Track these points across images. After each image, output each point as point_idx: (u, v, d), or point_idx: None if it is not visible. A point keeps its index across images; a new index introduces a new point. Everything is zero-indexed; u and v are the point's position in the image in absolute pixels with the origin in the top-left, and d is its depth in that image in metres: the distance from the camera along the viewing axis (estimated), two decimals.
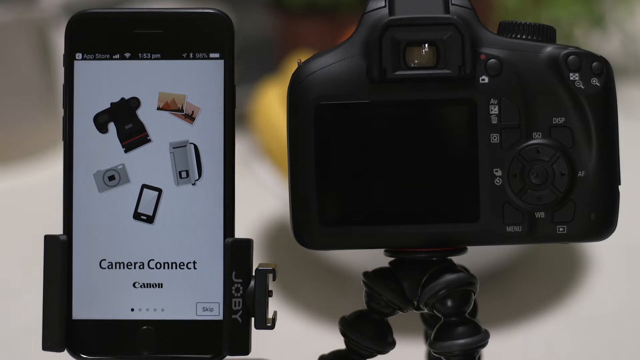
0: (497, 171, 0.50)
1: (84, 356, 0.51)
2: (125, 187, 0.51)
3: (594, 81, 0.50)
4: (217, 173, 0.51)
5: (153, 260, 0.51)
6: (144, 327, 0.51)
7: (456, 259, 0.52)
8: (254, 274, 0.51)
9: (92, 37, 0.51)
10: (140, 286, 0.51)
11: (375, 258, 0.53)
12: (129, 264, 0.51)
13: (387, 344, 0.53)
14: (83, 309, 0.51)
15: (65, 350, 0.51)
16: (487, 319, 0.55)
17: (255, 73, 1.16)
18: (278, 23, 1.26)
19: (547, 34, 0.51)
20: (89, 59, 0.51)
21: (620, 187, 0.51)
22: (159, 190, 0.51)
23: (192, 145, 0.51)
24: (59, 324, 0.51)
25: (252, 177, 0.94)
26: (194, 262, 0.51)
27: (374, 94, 0.50)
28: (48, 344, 0.51)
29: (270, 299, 0.51)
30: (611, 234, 0.51)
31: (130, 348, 0.51)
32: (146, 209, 0.51)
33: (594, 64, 0.50)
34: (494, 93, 0.50)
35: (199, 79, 0.51)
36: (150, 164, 0.51)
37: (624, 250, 0.94)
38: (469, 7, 0.50)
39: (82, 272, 0.51)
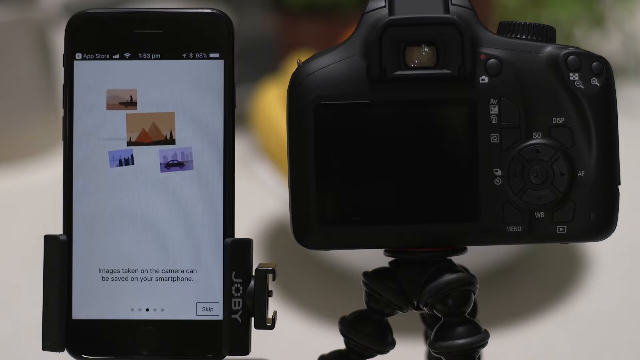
0: (497, 171, 0.50)
1: (84, 356, 0.51)
2: None
3: (594, 81, 0.50)
4: (217, 173, 0.51)
5: (153, 260, 0.51)
6: (144, 327, 0.51)
7: (456, 259, 0.52)
8: (253, 273, 0.51)
9: (92, 37, 0.51)
10: (140, 286, 0.51)
11: (375, 258, 0.53)
12: (129, 263, 0.51)
13: (387, 344, 0.53)
14: (83, 309, 0.51)
15: (65, 350, 0.51)
16: (487, 319, 0.55)
17: (255, 73, 1.16)
18: (278, 23, 1.26)
19: (547, 34, 0.51)
20: (89, 59, 0.51)
21: (620, 187, 0.51)
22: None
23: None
24: (59, 324, 0.51)
25: (252, 177, 0.94)
26: (194, 262, 0.51)
27: (374, 93, 0.50)
28: (48, 344, 0.51)
29: (270, 299, 0.51)
30: (611, 234, 0.51)
31: (130, 348, 0.51)
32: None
33: (594, 64, 0.50)
34: (493, 93, 0.50)
35: (199, 79, 0.51)
36: None
37: (623, 250, 0.94)
38: (469, 7, 0.50)
39: (82, 272, 0.51)
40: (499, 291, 0.89)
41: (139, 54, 0.51)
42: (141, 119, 0.51)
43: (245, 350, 0.50)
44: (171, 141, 0.51)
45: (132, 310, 0.51)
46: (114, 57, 0.51)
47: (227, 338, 0.50)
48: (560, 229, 0.50)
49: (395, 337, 0.53)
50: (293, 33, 1.22)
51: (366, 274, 0.52)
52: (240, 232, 0.51)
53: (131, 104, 0.51)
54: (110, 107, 0.51)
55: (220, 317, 0.51)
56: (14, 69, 1.17)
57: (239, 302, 0.50)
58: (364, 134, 0.50)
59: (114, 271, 0.51)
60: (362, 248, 0.51)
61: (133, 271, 0.51)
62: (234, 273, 0.50)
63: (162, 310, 0.51)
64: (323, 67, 0.51)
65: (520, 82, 0.50)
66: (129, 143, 0.51)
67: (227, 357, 0.51)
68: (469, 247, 0.52)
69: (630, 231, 0.85)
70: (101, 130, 0.51)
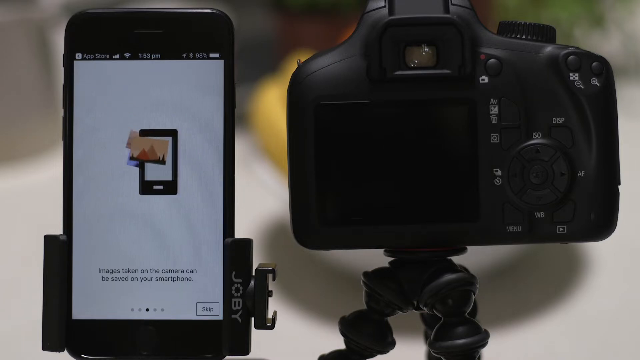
0: (497, 171, 0.50)
1: (84, 356, 0.51)
2: None
3: (594, 81, 0.50)
4: (217, 173, 0.51)
5: (153, 260, 0.51)
6: (144, 327, 0.51)
7: (456, 259, 0.52)
8: (253, 273, 0.51)
9: (92, 37, 0.51)
10: (140, 286, 0.51)
11: (375, 258, 0.53)
12: (129, 263, 0.51)
13: (387, 344, 0.53)
14: (83, 309, 0.51)
15: (65, 350, 0.51)
16: (487, 319, 0.55)
17: (255, 73, 1.16)
18: (278, 23, 1.26)
19: (547, 34, 0.51)
20: (89, 59, 0.51)
21: (620, 187, 0.51)
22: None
23: None
24: (59, 324, 0.51)
25: (252, 177, 0.94)
26: (194, 262, 0.51)
27: (374, 93, 0.50)
28: (48, 344, 0.51)
29: (270, 299, 0.51)
30: (611, 234, 0.51)
31: (130, 348, 0.51)
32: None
33: (594, 64, 0.50)
34: (493, 93, 0.50)
35: (198, 79, 0.51)
36: None
37: (623, 251, 0.94)
38: (469, 7, 0.50)
39: (82, 272, 0.51)
40: (499, 291, 0.89)
41: (139, 54, 0.51)
42: (143, 142, 0.51)
43: (245, 350, 0.50)
44: (162, 162, 0.51)
45: (132, 310, 0.51)
46: (114, 57, 0.51)
47: (227, 338, 0.50)
48: (560, 229, 0.50)
49: (395, 337, 0.53)
50: (293, 33, 1.22)
51: (366, 274, 0.52)
52: (240, 232, 0.51)
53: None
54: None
55: (220, 317, 0.51)
56: (14, 69, 1.17)
57: (239, 302, 0.50)
58: (364, 134, 0.50)
59: (114, 271, 0.51)
60: (362, 248, 0.51)
61: (133, 271, 0.51)
62: (234, 273, 0.50)
63: (162, 310, 0.51)
64: (323, 67, 0.51)
65: (520, 82, 0.50)
66: (131, 158, 0.51)
67: (227, 357, 0.51)
68: (469, 247, 0.52)
69: (630, 231, 0.85)
70: (103, 128, 0.51)
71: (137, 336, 0.51)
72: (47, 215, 0.77)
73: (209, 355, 0.51)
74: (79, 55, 0.51)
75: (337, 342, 0.54)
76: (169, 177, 0.51)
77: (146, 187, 0.51)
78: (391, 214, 0.51)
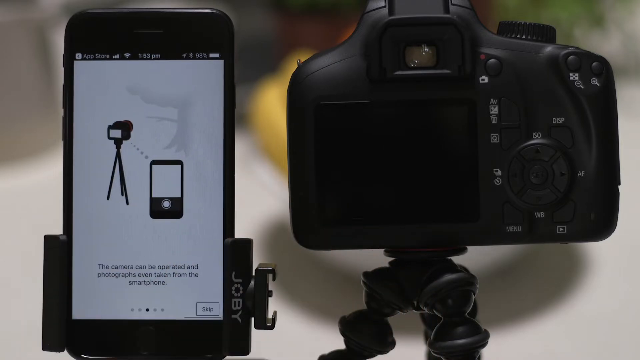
0: (497, 171, 0.50)
1: (84, 356, 0.51)
2: None
3: (594, 81, 0.50)
4: (217, 173, 0.51)
5: (153, 260, 0.51)
6: (144, 327, 0.51)
7: (456, 259, 0.52)
8: (254, 274, 0.51)
9: (92, 37, 0.51)
10: (140, 286, 0.51)
11: (375, 258, 0.53)
12: (129, 264, 0.51)
13: (387, 344, 0.53)
14: (83, 309, 0.51)
15: (65, 350, 0.51)
16: (487, 319, 0.55)
17: (255, 73, 1.16)
18: (278, 23, 1.26)
19: (547, 34, 0.51)
20: (89, 59, 0.51)
21: (620, 187, 0.51)
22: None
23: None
24: (59, 324, 0.51)
25: (252, 177, 0.94)
26: (194, 262, 0.51)
27: (374, 93, 0.50)
28: (48, 344, 0.51)
29: (270, 299, 0.51)
30: (611, 234, 0.51)
31: (130, 348, 0.51)
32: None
33: (594, 64, 0.50)
34: (493, 93, 0.50)
35: (198, 79, 0.51)
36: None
37: (624, 250, 0.94)
38: (469, 7, 0.50)
39: (82, 272, 0.51)
40: (499, 291, 0.89)
41: (139, 54, 0.51)
42: None
43: (245, 350, 0.50)
44: None
45: (132, 310, 0.51)
46: (114, 57, 0.51)
47: (227, 338, 0.50)
48: (560, 229, 0.50)
49: (395, 337, 0.53)
50: (293, 33, 1.22)
51: (366, 274, 0.52)
52: (240, 232, 0.51)
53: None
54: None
55: (220, 317, 0.51)
56: (14, 69, 1.17)
57: (239, 302, 0.50)
58: (364, 134, 0.50)
59: (114, 271, 0.51)
60: (362, 248, 0.51)
61: (133, 271, 0.51)
62: (234, 273, 0.50)
63: (162, 310, 0.51)
64: (323, 67, 0.51)
65: (520, 82, 0.50)
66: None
67: (227, 357, 0.51)
68: (469, 247, 0.52)
69: (630, 231, 0.85)
70: (103, 128, 0.51)
71: (137, 336, 0.51)
72: (47, 215, 0.77)
73: (209, 355, 0.51)
74: (79, 55, 0.51)
75: (337, 342, 0.54)
76: None
77: None
78: (391, 214, 0.51)
